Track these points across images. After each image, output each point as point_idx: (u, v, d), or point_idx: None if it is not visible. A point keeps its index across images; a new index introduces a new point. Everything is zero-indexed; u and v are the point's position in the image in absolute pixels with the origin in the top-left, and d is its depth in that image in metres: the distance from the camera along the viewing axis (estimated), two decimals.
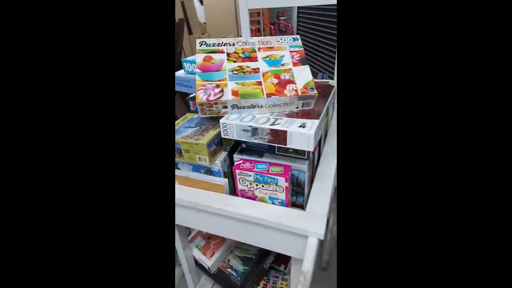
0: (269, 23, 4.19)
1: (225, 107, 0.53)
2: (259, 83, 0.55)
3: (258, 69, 0.57)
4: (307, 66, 0.59)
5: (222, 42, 0.61)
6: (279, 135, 0.50)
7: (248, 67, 0.58)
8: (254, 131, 0.52)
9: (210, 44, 0.61)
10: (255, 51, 0.61)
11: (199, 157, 0.57)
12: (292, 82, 0.55)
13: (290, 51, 0.61)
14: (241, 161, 0.56)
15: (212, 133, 0.58)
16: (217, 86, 0.54)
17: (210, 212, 0.56)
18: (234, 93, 0.53)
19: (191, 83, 0.67)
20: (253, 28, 3.86)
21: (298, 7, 3.35)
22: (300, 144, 0.49)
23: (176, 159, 0.60)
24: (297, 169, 0.55)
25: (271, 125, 0.51)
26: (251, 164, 0.55)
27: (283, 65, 0.59)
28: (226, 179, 0.60)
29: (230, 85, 0.54)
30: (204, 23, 3.81)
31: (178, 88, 0.69)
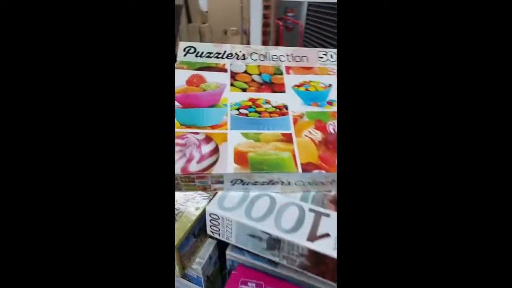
0: (276, 18, 3.89)
1: (220, 181, 0.28)
2: (289, 139, 0.29)
3: (286, 107, 0.32)
4: None
5: (225, 52, 0.35)
6: (326, 263, 0.25)
7: (267, 103, 0.32)
8: (274, 243, 0.26)
9: (203, 53, 0.34)
10: (281, 73, 0.35)
11: None
12: None
13: None
14: (236, 274, 0.31)
15: (196, 214, 0.32)
16: (207, 138, 0.28)
17: None
18: (240, 158, 0.27)
19: None
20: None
21: (309, 3, 3.06)
22: None
23: None
24: None
25: (309, 238, 0.25)
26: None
27: (330, 103, 0.33)
28: None
29: (232, 137, 0.28)
30: (206, 11, 3.51)
31: None
